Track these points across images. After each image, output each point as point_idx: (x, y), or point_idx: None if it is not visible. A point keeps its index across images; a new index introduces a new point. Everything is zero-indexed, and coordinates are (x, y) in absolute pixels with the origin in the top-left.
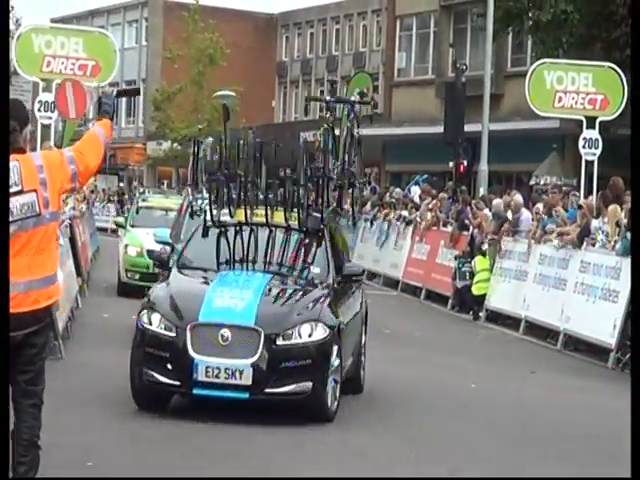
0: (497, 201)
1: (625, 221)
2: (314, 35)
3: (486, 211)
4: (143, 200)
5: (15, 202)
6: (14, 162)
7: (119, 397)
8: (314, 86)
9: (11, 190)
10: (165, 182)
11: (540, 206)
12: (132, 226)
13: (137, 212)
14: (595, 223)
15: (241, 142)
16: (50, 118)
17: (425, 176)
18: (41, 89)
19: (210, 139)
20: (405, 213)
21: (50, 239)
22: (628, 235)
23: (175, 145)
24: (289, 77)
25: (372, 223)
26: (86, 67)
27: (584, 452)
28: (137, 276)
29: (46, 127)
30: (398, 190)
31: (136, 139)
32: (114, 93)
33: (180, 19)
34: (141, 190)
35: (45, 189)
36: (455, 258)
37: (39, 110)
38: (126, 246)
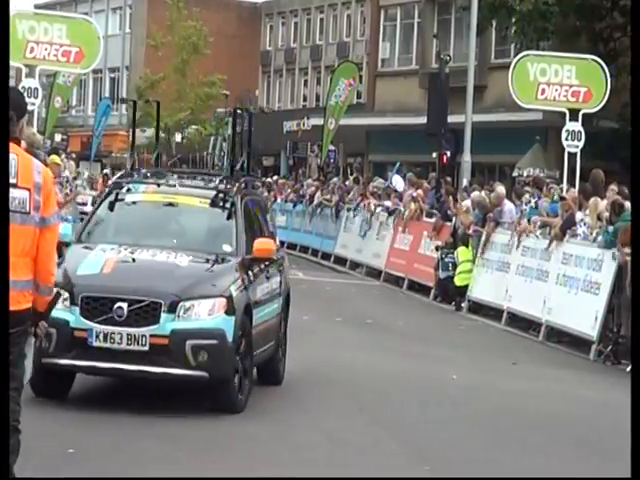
0: (475, 193)
1: (607, 214)
2: (298, 24)
3: (466, 202)
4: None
5: (9, 193)
6: (12, 155)
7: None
8: (298, 75)
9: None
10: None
11: (527, 197)
12: None
13: None
14: (578, 215)
15: None
16: (34, 104)
17: (406, 171)
18: (24, 75)
19: None
20: (388, 203)
21: (34, 244)
22: (610, 228)
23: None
24: (273, 66)
25: (355, 213)
26: (69, 53)
27: (565, 443)
28: None
29: (29, 113)
30: (381, 180)
31: (119, 126)
32: None
33: (164, 7)
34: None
35: (38, 193)
36: (436, 249)
37: None
38: None
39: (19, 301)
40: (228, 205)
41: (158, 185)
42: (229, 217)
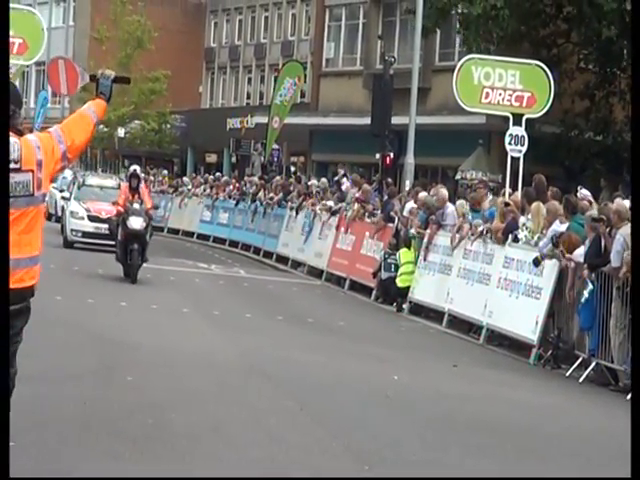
0: (423, 194)
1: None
2: (242, 22)
3: (410, 204)
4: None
5: (11, 179)
6: (14, 139)
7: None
8: (242, 73)
9: (10, 166)
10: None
11: (463, 202)
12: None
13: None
14: (521, 220)
15: None
16: None
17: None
18: None
19: None
20: (331, 203)
21: (38, 219)
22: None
23: (101, 127)
24: (217, 63)
25: (297, 212)
26: (13, 45)
27: (502, 446)
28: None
29: None
30: (324, 180)
31: (62, 119)
32: (112, 76)
33: (108, 0)
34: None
35: (40, 170)
36: (385, 254)
37: None
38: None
39: (22, 279)
40: None
41: None
42: None
